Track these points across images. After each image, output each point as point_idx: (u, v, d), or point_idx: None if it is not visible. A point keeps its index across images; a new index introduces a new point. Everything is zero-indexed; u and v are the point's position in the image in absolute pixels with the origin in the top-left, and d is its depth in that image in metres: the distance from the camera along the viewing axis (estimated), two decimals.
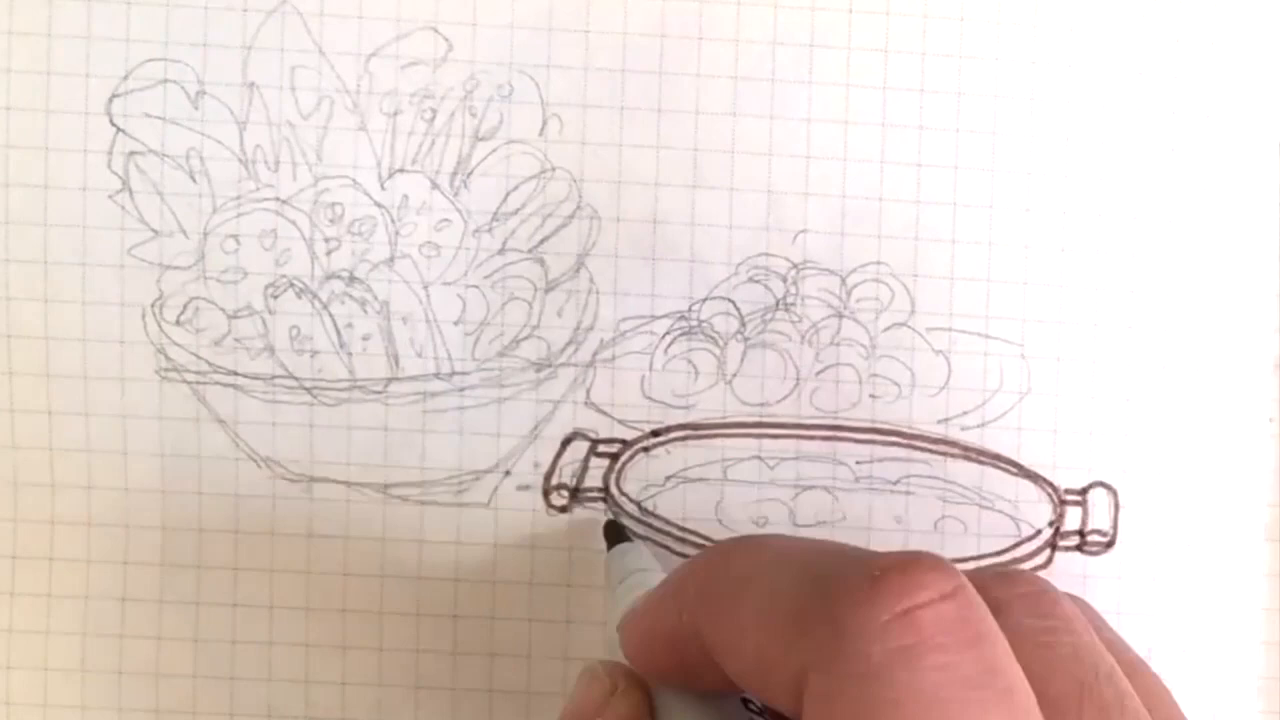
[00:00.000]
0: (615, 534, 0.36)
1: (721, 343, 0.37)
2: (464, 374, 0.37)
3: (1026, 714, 0.21)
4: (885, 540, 0.37)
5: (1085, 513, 0.37)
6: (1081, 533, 0.37)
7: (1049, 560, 0.37)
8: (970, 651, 0.21)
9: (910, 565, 0.22)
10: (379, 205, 0.37)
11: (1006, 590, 0.26)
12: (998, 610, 0.22)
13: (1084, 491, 0.37)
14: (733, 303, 0.37)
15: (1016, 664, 0.22)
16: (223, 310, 0.37)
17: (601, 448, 0.37)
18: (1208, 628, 0.37)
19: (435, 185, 0.37)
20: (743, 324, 0.37)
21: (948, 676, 0.21)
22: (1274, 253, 0.37)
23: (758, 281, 0.37)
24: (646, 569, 0.33)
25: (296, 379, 0.37)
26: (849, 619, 0.21)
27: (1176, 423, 0.37)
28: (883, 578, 0.22)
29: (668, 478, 0.37)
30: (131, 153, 0.36)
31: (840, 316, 0.37)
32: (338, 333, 0.37)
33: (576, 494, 0.37)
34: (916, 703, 0.21)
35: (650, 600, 0.28)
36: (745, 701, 0.27)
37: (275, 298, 0.37)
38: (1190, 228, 0.37)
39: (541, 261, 0.37)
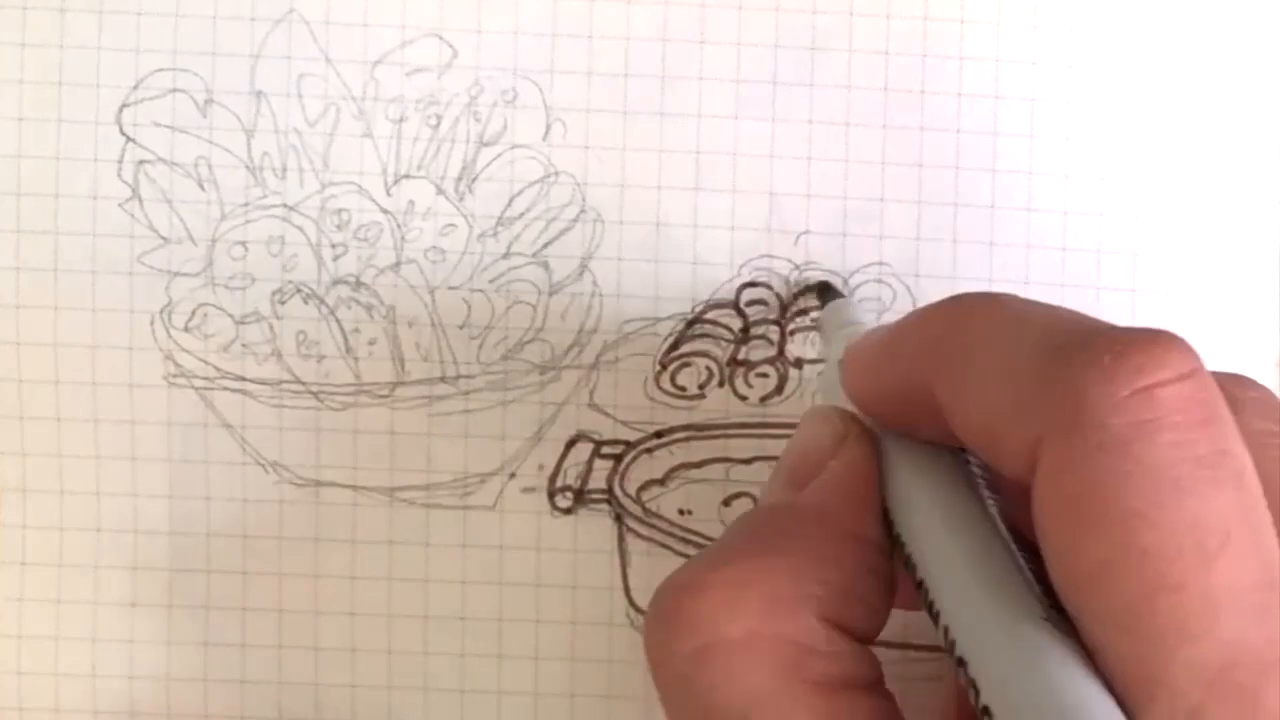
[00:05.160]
0: (827, 290, 0.36)
1: (724, 344, 0.37)
2: (469, 377, 0.37)
3: (1254, 497, 0.21)
4: None
5: None
6: None
7: None
8: (1204, 431, 0.21)
9: (1153, 342, 0.22)
10: (385, 211, 0.37)
11: (1240, 390, 0.25)
12: (1231, 406, 0.22)
13: None
14: (736, 304, 0.37)
15: (1246, 451, 0.22)
16: (230, 316, 0.37)
17: (605, 449, 0.37)
18: None
19: (440, 190, 0.37)
20: (746, 325, 0.37)
21: (1181, 454, 0.21)
22: (1275, 252, 0.37)
23: (760, 283, 0.37)
24: (862, 322, 0.33)
25: (303, 384, 0.37)
26: (1090, 390, 0.22)
27: None
28: (1126, 351, 0.22)
29: (671, 478, 0.37)
30: (141, 161, 0.37)
31: None
32: (344, 337, 0.37)
33: (581, 495, 0.37)
34: (1148, 477, 0.21)
35: (879, 342, 0.28)
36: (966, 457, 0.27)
37: (282, 303, 0.37)
38: (1191, 227, 0.37)
39: (545, 265, 0.37)
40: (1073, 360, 0.22)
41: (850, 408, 0.29)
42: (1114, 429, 0.21)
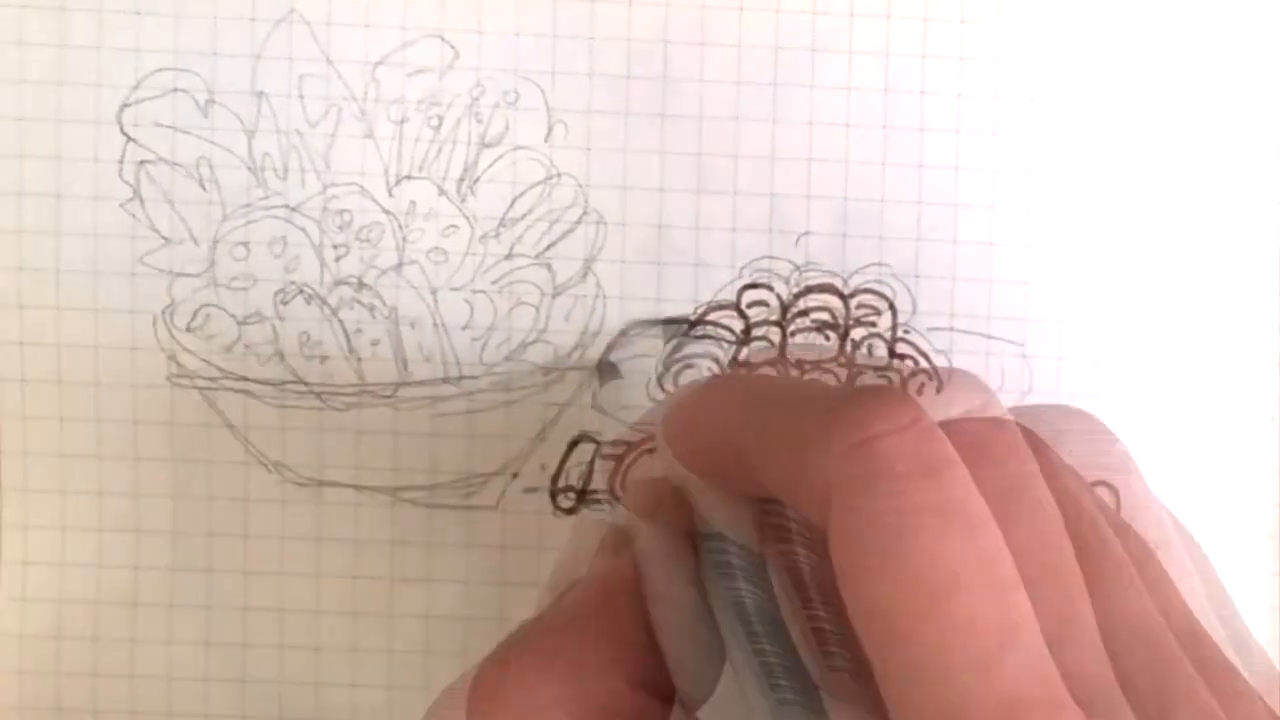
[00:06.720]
0: (608, 373, 0.36)
1: (726, 345, 0.37)
2: (472, 378, 0.37)
3: (990, 542, 0.21)
4: None
5: None
6: None
7: None
8: (928, 480, 0.21)
9: (867, 398, 0.22)
10: (387, 212, 0.37)
11: (1067, 422, 0.26)
12: (1036, 443, 0.23)
13: None
14: (737, 305, 0.37)
15: (980, 497, 0.22)
16: (233, 317, 0.37)
17: (608, 450, 0.37)
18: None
19: (442, 191, 0.37)
20: (747, 326, 0.37)
21: (905, 503, 0.21)
22: (1275, 251, 0.37)
23: (761, 284, 0.37)
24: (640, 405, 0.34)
25: (306, 384, 0.37)
26: (812, 447, 0.22)
27: (1178, 422, 0.37)
28: (843, 408, 0.22)
29: None
30: (142, 161, 0.37)
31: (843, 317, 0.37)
32: (347, 338, 0.37)
33: (583, 496, 0.37)
34: (874, 528, 0.21)
35: (695, 400, 0.28)
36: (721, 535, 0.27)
37: (285, 304, 0.37)
38: (1191, 226, 0.37)
39: (548, 266, 0.37)
40: (803, 422, 0.23)
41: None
42: (838, 483, 0.21)
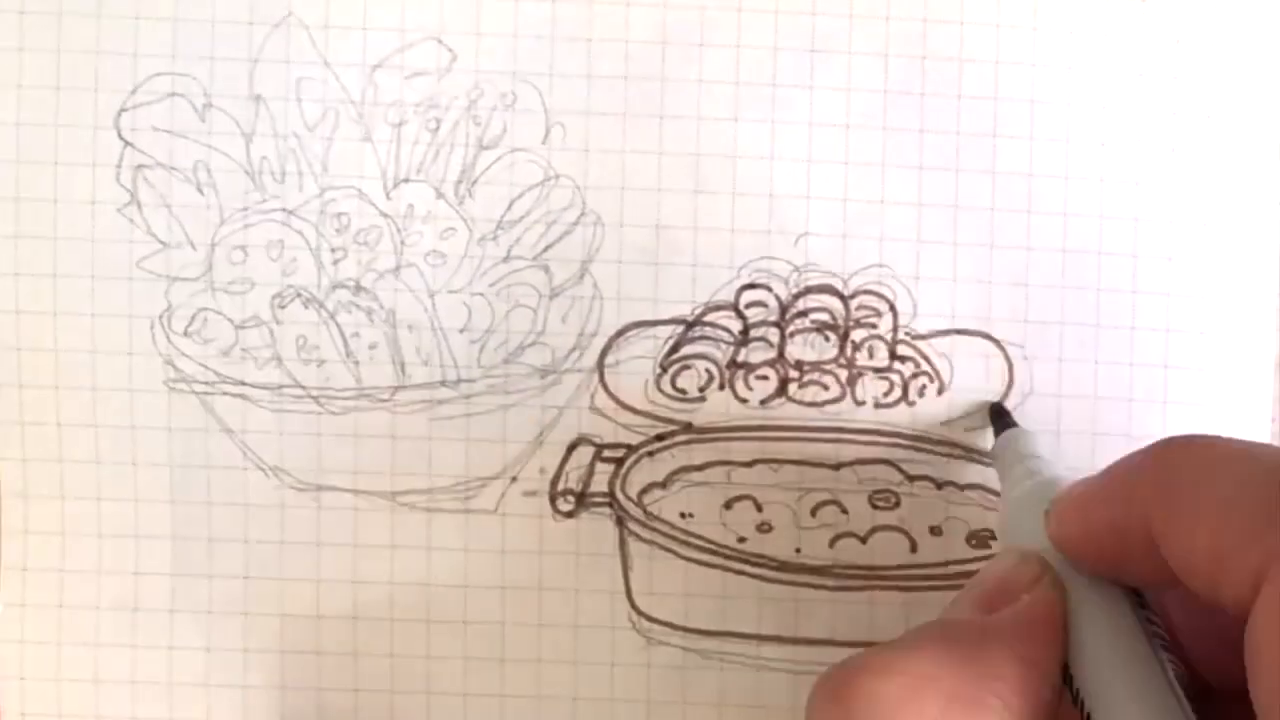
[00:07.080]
0: (1001, 418, 0.36)
1: (724, 346, 0.37)
2: (470, 381, 0.37)
3: None
4: (887, 542, 0.37)
5: None
6: None
7: None
8: None
9: None
10: (384, 215, 0.37)
11: None
12: None
13: None
14: (735, 306, 0.37)
15: None
16: (230, 321, 0.37)
17: (606, 453, 0.37)
18: None
19: (440, 194, 0.37)
20: (745, 327, 0.37)
21: None
22: (1274, 253, 0.37)
23: (760, 285, 0.37)
24: (1039, 455, 0.34)
25: (304, 388, 0.37)
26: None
27: (1178, 423, 0.37)
28: None
29: (672, 481, 0.37)
30: (140, 166, 0.37)
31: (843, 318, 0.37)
32: (344, 342, 0.37)
33: (582, 499, 0.37)
34: None
35: (1094, 487, 0.28)
36: (1143, 605, 0.28)
37: (282, 308, 0.37)
38: (1190, 228, 0.37)
39: (546, 268, 0.37)
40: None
41: (1039, 547, 0.30)
42: None
